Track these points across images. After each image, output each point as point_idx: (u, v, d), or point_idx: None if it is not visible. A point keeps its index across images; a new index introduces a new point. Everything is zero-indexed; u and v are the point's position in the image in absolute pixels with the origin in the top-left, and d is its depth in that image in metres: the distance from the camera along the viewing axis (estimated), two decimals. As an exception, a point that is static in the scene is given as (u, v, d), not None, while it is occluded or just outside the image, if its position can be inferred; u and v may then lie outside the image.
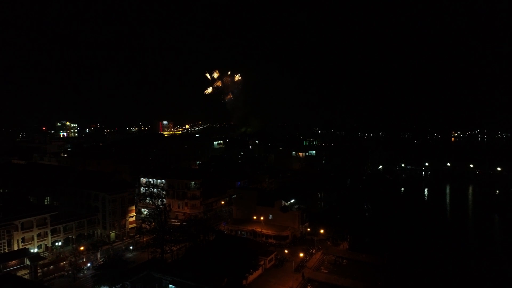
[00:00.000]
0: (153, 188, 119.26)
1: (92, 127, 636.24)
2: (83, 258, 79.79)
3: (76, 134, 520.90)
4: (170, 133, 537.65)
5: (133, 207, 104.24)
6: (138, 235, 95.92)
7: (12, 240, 75.86)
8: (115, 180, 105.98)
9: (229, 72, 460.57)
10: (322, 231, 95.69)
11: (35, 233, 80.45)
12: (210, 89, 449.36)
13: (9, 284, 56.39)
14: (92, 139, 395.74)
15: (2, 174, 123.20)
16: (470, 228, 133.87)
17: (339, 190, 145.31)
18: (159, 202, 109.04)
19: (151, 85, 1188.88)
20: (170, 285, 62.04)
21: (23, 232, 78.46)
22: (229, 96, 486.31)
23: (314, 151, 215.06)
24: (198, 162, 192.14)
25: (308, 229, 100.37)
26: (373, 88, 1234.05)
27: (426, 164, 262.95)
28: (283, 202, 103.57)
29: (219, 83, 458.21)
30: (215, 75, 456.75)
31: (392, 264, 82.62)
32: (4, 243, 74.19)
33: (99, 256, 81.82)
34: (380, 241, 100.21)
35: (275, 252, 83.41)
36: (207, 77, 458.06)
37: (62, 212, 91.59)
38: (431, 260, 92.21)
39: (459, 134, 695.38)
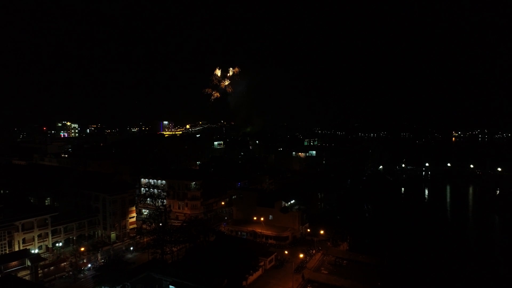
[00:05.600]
0: (153, 189, 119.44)
1: (93, 127, 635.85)
2: (83, 259, 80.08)
3: (77, 135, 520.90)
4: (171, 133, 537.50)
5: (134, 208, 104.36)
6: (139, 236, 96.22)
7: (12, 241, 75.98)
8: (115, 181, 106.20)
9: (232, 71, 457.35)
10: (322, 232, 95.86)
11: (35, 234, 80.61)
12: (217, 93, 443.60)
13: (10, 285, 56.58)
14: (93, 139, 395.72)
15: (2, 175, 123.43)
16: (470, 228, 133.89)
17: (339, 191, 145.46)
18: (160, 203, 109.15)
19: (152, 85, 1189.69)
20: (170, 286, 62.17)
21: (23, 233, 78.62)
22: (232, 94, 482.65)
23: (314, 152, 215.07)
24: (199, 162, 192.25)
25: (308, 230, 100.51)
26: (374, 88, 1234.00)
27: (427, 164, 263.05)
28: (283, 202, 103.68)
29: (222, 84, 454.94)
30: (217, 78, 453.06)
31: (392, 265, 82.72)
32: (4, 244, 74.34)
33: (99, 257, 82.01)
34: (380, 242, 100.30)
35: (275, 253, 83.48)
36: (211, 80, 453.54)
37: (62, 213, 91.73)
38: (431, 260, 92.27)
39: (460, 134, 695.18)
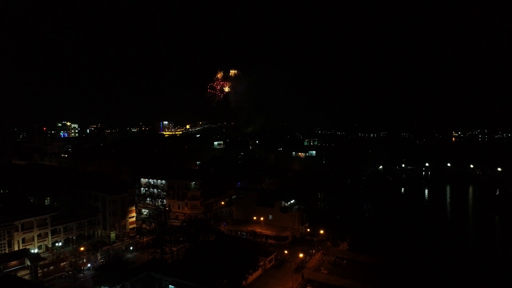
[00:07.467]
0: (153, 188, 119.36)
1: (93, 127, 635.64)
2: (83, 259, 79.96)
3: (77, 135, 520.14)
4: (171, 133, 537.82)
5: (133, 208, 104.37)
6: (138, 236, 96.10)
7: (12, 240, 75.98)
8: (115, 180, 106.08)
9: (233, 72, 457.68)
10: (322, 231, 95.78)
11: (35, 233, 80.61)
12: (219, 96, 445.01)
13: (10, 284, 56.54)
14: (93, 139, 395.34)
15: (2, 175, 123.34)
16: (470, 228, 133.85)
17: (339, 191, 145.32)
18: (159, 203, 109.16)
19: (152, 85, 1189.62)
20: (170, 286, 62.15)
21: (23, 233, 78.64)
22: (233, 95, 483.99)
23: (314, 152, 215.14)
24: (198, 162, 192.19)
25: (308, 230, 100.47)
26: (374, 88, 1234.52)
27: (427, 164, 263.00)
28: (283, 202, 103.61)
29: (223, 86, 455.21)
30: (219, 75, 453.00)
31: (392, 265, 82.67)
32: (4, 243, 74.33)
33: (99, 257, 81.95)
34: (380, 241, 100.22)
35: (275, 253, 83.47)
36: (213, 83, 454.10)
37: (62, 213, 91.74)
38: (431, 260, 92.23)
39: (460, 134, 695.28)
